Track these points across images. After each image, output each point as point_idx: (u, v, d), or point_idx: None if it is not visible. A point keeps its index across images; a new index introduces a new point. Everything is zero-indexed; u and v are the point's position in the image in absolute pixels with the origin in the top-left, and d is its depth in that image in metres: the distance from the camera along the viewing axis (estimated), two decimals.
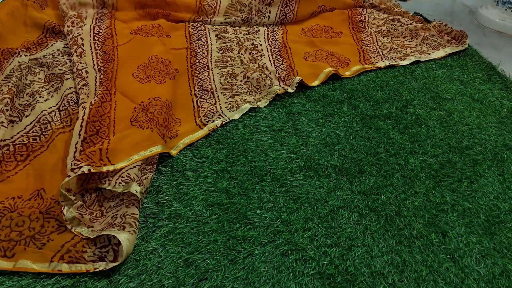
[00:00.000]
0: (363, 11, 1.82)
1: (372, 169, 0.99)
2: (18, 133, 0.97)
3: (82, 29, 1.36)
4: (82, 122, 0.95)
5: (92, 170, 0.81)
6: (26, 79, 1.13)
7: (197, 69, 1.33)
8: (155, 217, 0.85)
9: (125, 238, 0.74)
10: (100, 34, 1.37)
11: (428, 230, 0.85)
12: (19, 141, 0.95)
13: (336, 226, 0.85)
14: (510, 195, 0.95)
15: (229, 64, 1.37)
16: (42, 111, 1.02)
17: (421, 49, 1.56)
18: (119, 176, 0.85)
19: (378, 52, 1.53)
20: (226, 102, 1.19)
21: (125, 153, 0.90)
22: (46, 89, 1.12)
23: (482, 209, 0.91)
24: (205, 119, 1.11)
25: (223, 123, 1.11)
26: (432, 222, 0.87)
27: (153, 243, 0.79)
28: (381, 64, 1.44)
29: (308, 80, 1.30)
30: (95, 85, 1.14)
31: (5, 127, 0.95)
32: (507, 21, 1.81)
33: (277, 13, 1.68)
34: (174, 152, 0.99)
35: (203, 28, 1.54)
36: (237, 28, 1.63)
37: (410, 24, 1.70)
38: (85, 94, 1.07)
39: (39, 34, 1.36)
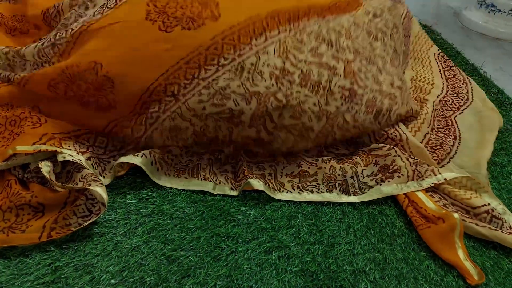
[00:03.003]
0: None
1: None
2: None
3: None
4: None
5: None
6: None
7: None
8: (138, 213, 0.84)
9: (101, 190, 0.76)
10: None
11: (410, 228, 0.86)
12: None
13: (320, 223, 0.85)
14: None
15: None
16: None
17: None
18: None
19: None
20: None
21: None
22: None
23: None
24: None
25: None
26: None
27: (135, 240, 0.78)
28: None
29: None
30: None
31: None
32: (490, 23, 1.84)
33: None
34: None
35: None
36: None
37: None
38: None
39: None
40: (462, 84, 1.35)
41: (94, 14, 0.90)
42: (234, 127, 0.88)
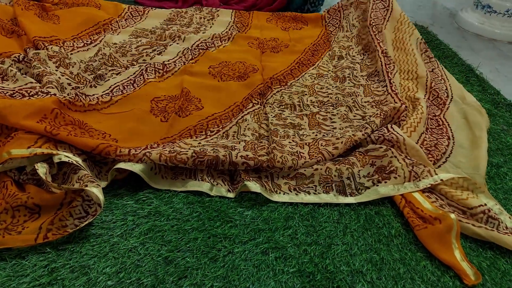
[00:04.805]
0: None
1: None
2: None
3: None
4: None
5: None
6: None
7: None
8: (135, 214, 0.84)
9: (97, 191, 0.77)
10: None
11: (407, 229, 0.86)
12: None
13: (317, 224, 0.85)
14: None
15: None
16: None
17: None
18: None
19: None
20: None
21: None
22: None
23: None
24: None
25: None
26: None
27: (132, 241, 0.78)
28: None
29: None
30: None
31: None
32: (486, 24, 1.85)
33: None
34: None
35: None
36: None
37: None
38: None
39: None
40: (441, 80, 1.35)
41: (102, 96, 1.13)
42: (231, 151, 0.94)
